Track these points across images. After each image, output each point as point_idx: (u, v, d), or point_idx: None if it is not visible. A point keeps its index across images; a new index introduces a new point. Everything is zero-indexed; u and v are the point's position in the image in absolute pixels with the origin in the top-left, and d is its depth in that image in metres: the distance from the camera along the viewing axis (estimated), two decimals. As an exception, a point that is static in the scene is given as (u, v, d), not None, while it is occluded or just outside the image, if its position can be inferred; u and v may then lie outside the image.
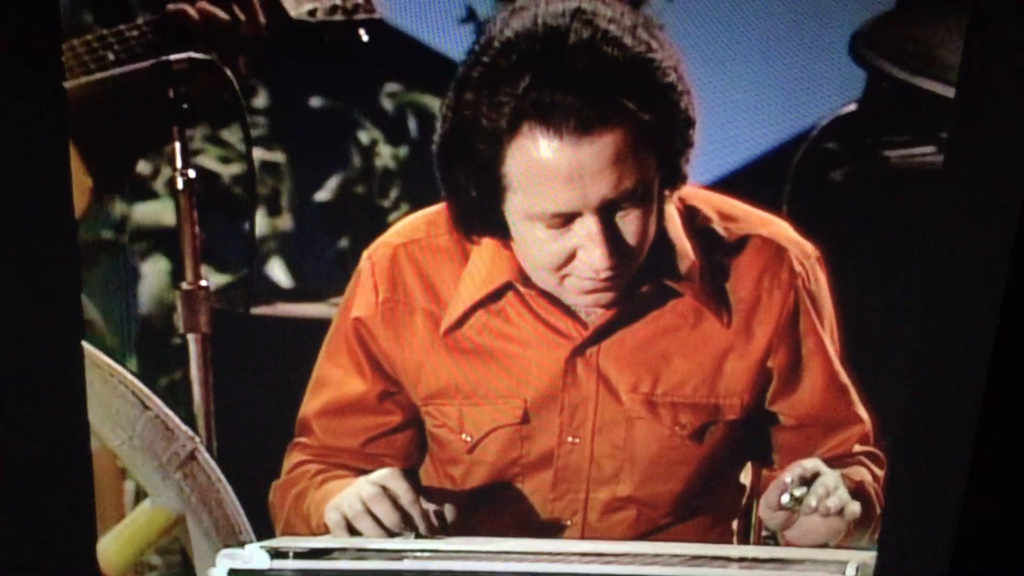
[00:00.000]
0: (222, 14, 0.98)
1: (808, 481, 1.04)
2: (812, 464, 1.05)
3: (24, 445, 1.20)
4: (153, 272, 1.07)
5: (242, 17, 0.99)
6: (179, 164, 1.03)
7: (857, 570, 1.02)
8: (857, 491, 1.06)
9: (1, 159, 1.07)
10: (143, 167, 1.05)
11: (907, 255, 1.06)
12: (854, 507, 1.05)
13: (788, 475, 1.04)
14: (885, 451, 1.11)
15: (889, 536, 1.17)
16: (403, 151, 1.06)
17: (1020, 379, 1.17)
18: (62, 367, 1.17)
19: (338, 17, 1.02)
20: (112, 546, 1.10)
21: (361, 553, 1.06)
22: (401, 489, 1.05)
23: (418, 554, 1.06)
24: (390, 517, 1.05)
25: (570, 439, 1.06)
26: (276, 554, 1.06)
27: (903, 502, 1.18)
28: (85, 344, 1.07)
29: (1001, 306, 1.11)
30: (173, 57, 0.99)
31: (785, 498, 1.03)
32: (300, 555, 1.06)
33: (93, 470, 1.21)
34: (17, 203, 1.10)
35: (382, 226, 1.04)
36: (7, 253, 1.13)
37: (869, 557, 1.06)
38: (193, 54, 0.99)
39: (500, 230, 1.00)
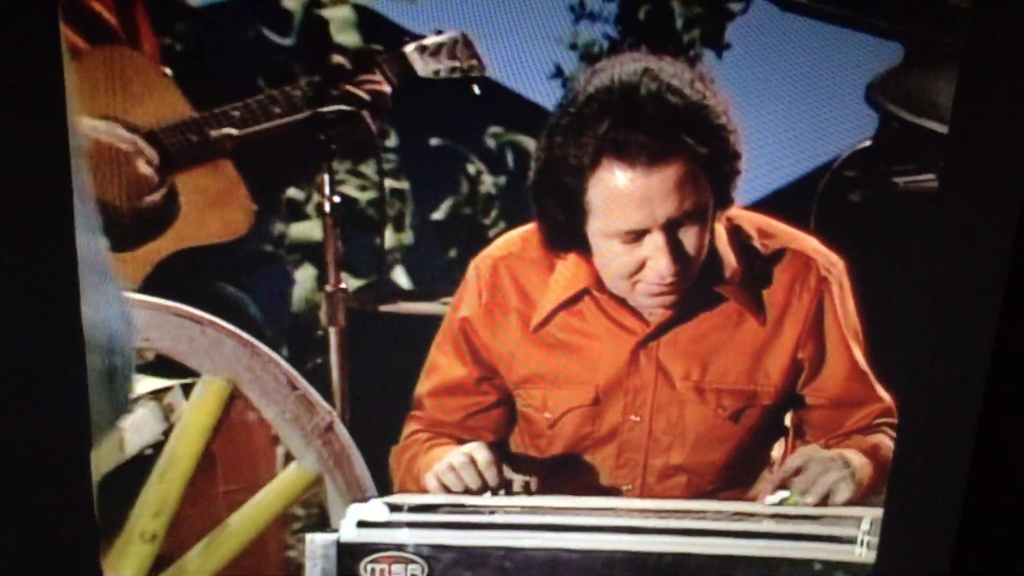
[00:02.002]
0: (365, 75, 1.25)
1: (788, 481, 1.29)
2: (792, 465, 1.32)
3: (24, 444, 1.26)
4: (303, 278, 1.35)
5: (380, 78, 1.26)
6: (327, 192, 1.31)
7: (871, 524, 1.27)
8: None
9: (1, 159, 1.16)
10: (298, 194, 1.32)
11: (914, 263, 1.30)
12: (839, 496, 1.30)
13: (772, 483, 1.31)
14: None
15: (890, 536, 1.29)
16: (502, 180, 1.34)
17: (1020, 379, 1.25)
18: (62, 367, 1.23)
19: (456, 75, 1.29)
20: (264, 500, 1.37)
21: (460, 508, 1.33)
22: (483, 459, 1.32)
23: (507, 509, 1.32)
24: (473, 481, 1.31)
25: (632, 417, 1.33)
26: (393, 507, 1.33)
27: (903, 502, 1.28)
28: (245, 336, 1.33)
29: (1001, 307, 1.19)
30: (326, 109, 1.27)
31: (772, 499, 1.29)
32: (412, 508, 1.34)
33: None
34: (17, 203, 1.17)
35: (485, 241, 1.31)
36: (8, 253, 1.20)
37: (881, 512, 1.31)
38: (342, 107, 1.26)
39: (581, 246, 1.26)
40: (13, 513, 1.29)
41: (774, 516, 1.29)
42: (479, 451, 1.32)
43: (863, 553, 1.26)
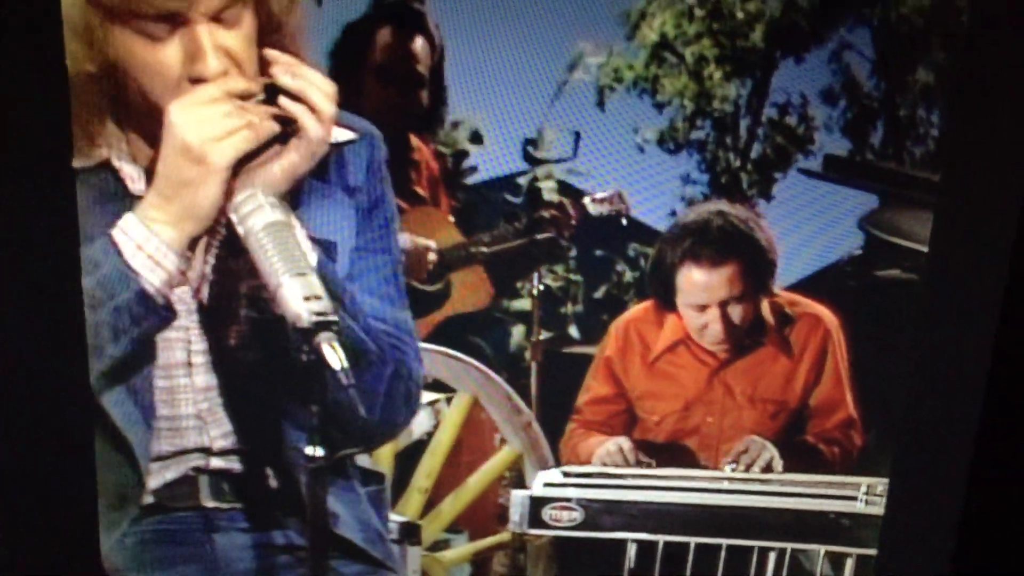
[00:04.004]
0: (561, 216, 2.20)
1: (737, 456, 2.12)
2: (740, 447, 2.13)
3: (25, 444, 1.37)
4: (517, 332, 2.28)
5: (569, 217, 2.20)
6: (535, 282, 2.25)
7: (867, 487, 1.97)
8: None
9: (2, 159, 1.27)
10: (519, 284, 2.27)
11: (896, 326, 2.04)
12: (776, 467, 2.11)
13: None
14: (867, 443, 2.07)
15: (890, 536, 1.47)
16: (637, 274, 2.23)
17: (1020, 380, 1.32)
18: (63, 367, 1.35)
19: (612, 215, 2.22)
20: (488, 468, 2.26)
21: (604, 475, 2.15)
22: (627, 447, 2.16)
23: (634, 476, 2.14)
24: (621, 460, 2.14)
25: (708, 419, 2.13)
26: (565, 475, 2.17)
27: (904, 502, 1.44)
28: (483, 367, 2.25)
29: (1001, 309, 1.27)
30: (539, 237, 2.22)
31: (727, 468, 2.11)
32: (576, 475, 2.16)
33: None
34: (18, 202, 1.29)
35: (624, 309, 2.20)
36: (7, 253, 1.31)
37: (877, 481, 1.98)
38: (548, 235, 2.20)
39: (676, 312, 2.13)
40: (14, 513, 1.40)
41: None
42: (624, 442, 2.17)
43: (862, 507, 1.97)
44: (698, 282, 2.08)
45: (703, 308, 2.09)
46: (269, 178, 1.47)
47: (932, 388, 1.36)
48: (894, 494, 1.43)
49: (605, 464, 2.17)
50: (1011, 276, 1.26)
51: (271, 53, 1.51)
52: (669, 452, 2.18)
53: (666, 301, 2.13)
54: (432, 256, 2.23)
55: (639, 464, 2.17)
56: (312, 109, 1.47)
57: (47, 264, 1.38)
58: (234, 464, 1.63)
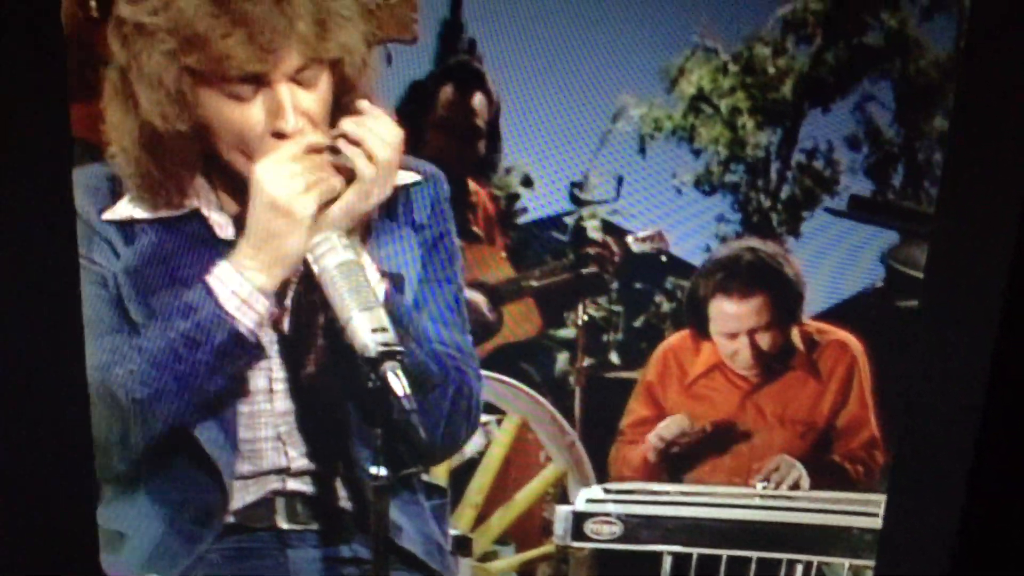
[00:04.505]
0: (605, 253, 2.34)
1: (768, 474, 2.24)
2: (771, 465, 2.26)
3: (25, 443, 1.38)
4: (561, 359, 2.44)
5: (612, 254, 2.35)
6: (580, 312, 2.41)
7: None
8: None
9: (2, 159, 1.29)
10: (565, 314, 2.42)
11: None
12: (803, 485, 2.25)
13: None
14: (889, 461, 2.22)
15: (890, 536, 1.52)
16: (674, 305, 2.39)
17: (1020, 380, 1.35)
18: (63, 369, 1.37)
19: (653, 252, 2.37)
20: (534, 484, 2.41)
21: (642, 492, 2.30)
22: (685, 420, 2.31)
23: (669, 492, 2.29)
24: (677, 429, 2.31)
25: (741, 439, 2.29)
26: (606, 491, 2.33)
27: (904, 503, 1.50)
28: (531, 391, 2.40)
29: (1001, 310, 1.30)
30: (584, 271, 2.38)
31: (759, 485, 2.23)
32: (616, 492, 2.32)
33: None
34: (18, 204, 1.31)
35: (662, 338, 2.36)
36: (8, 253, 1.33)
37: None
38: (593, 269, 2.35)
39: (711, 340, 2.28)
40: (14, 513, 1.42)
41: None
42: (681, 417, 2.33)
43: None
44: (729, 312, 2.25)
45: (734, 336, 2.26)
46: (331, 218, 1.64)
47: (933, 388, 1.41)
48: (894, 494, 1.49)
49: (665, 438, 2.32)
50: (1011, 278, 1.29)
51: (346, 108, 1.69)
52: (704, 470, 2.33)
53: (701, 329, 2.29)
54: (486, 307, 2.38)
55: (695, 430, 2.34)
56: (368, 155, 1.64)
57: (46, 265, 1.40)
58: (308, 486, 1.79)
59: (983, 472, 1.37)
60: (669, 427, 2.32)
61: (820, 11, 2.05)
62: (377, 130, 1.64)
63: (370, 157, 1.62)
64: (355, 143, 1.63)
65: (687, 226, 2.31)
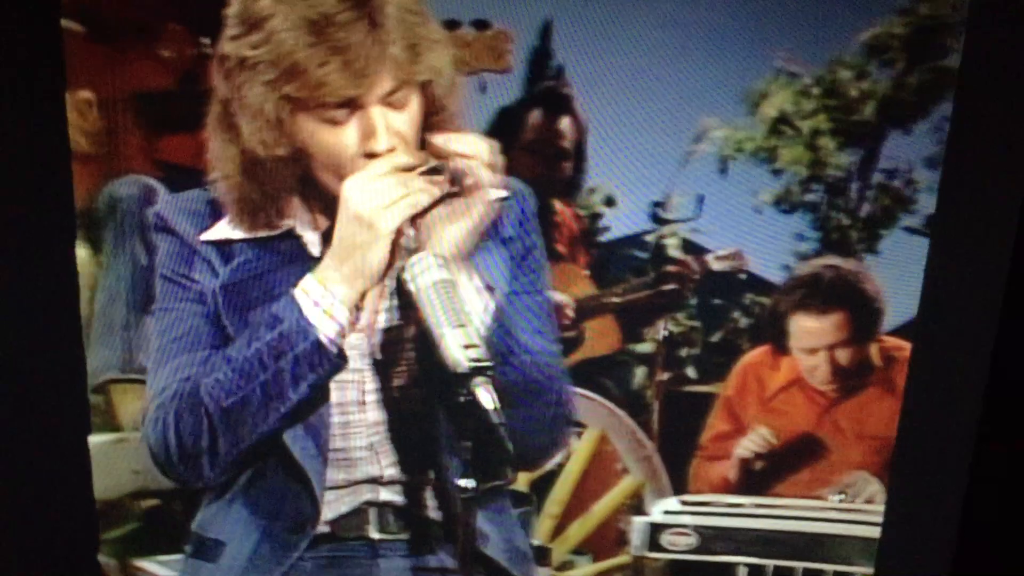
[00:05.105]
0: (685, 271, 2.38)
1: (845, 488, 2.27)
2: (848, 479, 2.30)
3: (24, 444, 1.36)
4: (640, 373, 2.49)
5: (692, 272, 2.39)
6: (660, 329, 2.45)
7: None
8: None
9: (3, 159, 1.28)
10: (644, 330, 2.46)
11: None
12: (877, 500, 2.27)
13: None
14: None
15: (890, 537, 1.52)
16: (752, 320, 2.42)
17: (1020, 380, 1.34)
18: (63, 369, 1.36)
19: (731, 270, 2.40)
20: (611, 495, 2.46)
21: (716, 504, 2.34)
22: (767, 432, 2.35)
23: (741, 505, 2.32)
24: (761, 444, 2.35)
25: (818, 454, 2.32)
26: (683, 503, 2.37)
27: (904, 503, 1.49)
28: (610, 404, 2.45)
29: (1001, 310, 1.30)
30: (665, 288, 2.42)
31: (834, 497, 2.25)
32: (691, 504, 2.36)
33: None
34: (19, 203, 1.29)
35: (742, 353, 2.39)
36: (8, 253, 1.32)
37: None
38: (673, 286, 2.39)
39: (791, 355, 2.31)
40: (14, 513, 1.39)
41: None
42: (765, 430, 2.37)
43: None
44: (809, 328, 2.28)
45: (813, 351, 2.29)
46: (446, 242, 1.71)
47: (933, 388, 1.38)
48: (895, 494, 1.51)
49: (747, 449, 2.37)
50: (1011, 278, 1.29)
51: (435, 126, 1.75)
52: (781, 484, 2.36)
53: (780, 345, 2.33)
54: (569, 311, 2.43)
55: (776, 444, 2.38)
56: (464, 168, 1.70)
57: (45, 266, 1.41)
58: (399, 496, 1.86)
59: (983, 471, 1.36)
60: (755, 440, 2.36)
61: (902, 36, 2.07)
62: (468, 144, 1.70)
63: (473, 171, 1.68)
64: (449, 157, 1.69)
65: (766, 244, 2.34)
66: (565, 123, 2.23)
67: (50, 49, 1.41)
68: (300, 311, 1.69)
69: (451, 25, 1.89)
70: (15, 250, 1.39)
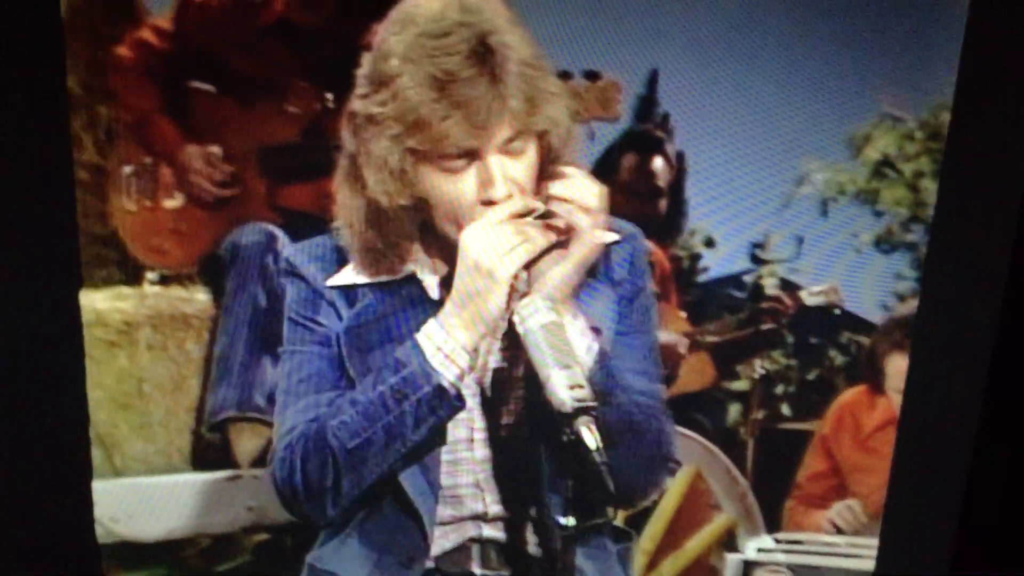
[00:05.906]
0: (779, 307, 2.40)
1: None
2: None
3: (25, 446, 1.33)
4: (733, 410, 2.50)
5: (785, 307, 2.40)
6: (756, 366, 2.45)
7: None
8: None
9: (3, 159, 1.25)
10: (739, 368, 2.47)
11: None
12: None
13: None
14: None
15: (890, 537, 1.55)
16: (849, 359, 2.42)
17: (1020, 380, 1.37)
18: (62, 370, 1.33)
19: (826, 304, 2.41)
20: (704, 532, 2.47)
21: (807, 543, 2.35)
22: (857, 507, 2.36)
23: (829, 544, 2.33)
24: (850, 519, 2.35)
25: None
26: (776, 540, 2.38)
27: (904, 503, 1.51)
28: (705, 442, 2.47)
29: (1001, 309, 1.32)
30: (763, 327, 2.42)
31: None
32: (784, 542, 2.37)
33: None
34: (19, 204, 1.26)
35: (837, 393, 2.40)
36: (8, 252, 1.29)
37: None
38: (771, 325, 2.40)
39: (887, 394, 2.32)
40: (13, 513, 1.36)
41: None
42: (855, 503, 2.38)
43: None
44: (905, 369, 2.28)
45: None
46: (550, 283, 1.74)
47: (932, 388, 1.44)
48: (894, 494, 1.51)
49: (836, 523, 2.36)
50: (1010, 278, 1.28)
51: (550, 175, 1.78)
52: (875, 523, 2.37)
53: (877, 385, 2.34)
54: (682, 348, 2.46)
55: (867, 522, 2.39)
56: (586, 211, 1.73)
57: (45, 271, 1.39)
58: (501, 532, 1.89)
59: (983, 470, 1.38)
60: (843, 514, 2.37)
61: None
62: (580, 190, 1.73)
63: (588, 213, 1.71)
64: (562, 202, 1.72)
65: (865, 283, 2.35)
66: (659, 163, 2.26)
67: (50, 49, 1.40)
68: (423, 356, 1.73)
69: (564, 76, 1.94)
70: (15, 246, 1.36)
